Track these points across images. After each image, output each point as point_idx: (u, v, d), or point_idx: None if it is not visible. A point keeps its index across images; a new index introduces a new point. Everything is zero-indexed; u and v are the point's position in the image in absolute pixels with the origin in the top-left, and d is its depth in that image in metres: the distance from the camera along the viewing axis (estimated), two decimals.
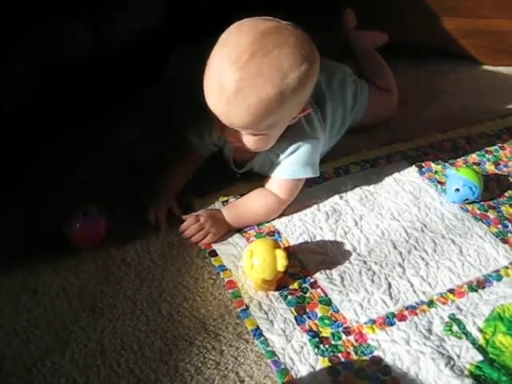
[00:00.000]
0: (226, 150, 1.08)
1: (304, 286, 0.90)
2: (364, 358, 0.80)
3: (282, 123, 0.96)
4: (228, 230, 1.00)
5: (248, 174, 1.09)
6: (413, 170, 1.15)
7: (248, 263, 0.86)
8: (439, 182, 1.11)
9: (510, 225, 1.02)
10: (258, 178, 1.07)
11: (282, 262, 0.85)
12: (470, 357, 0.80)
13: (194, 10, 1.26)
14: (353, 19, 1.46)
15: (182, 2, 1.26)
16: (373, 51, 1.41)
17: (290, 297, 0.88)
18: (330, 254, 0.95)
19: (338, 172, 1.14)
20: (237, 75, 0.86)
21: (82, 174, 1.13)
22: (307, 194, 1.07)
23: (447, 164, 1.17)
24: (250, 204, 1.03)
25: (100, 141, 1.22)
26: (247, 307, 0.86)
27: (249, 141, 0.95)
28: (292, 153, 1.01)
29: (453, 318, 0.84)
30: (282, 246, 0.92)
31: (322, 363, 0.79)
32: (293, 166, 1.01)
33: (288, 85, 0.88)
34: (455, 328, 0.83)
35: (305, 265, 0.93)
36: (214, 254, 0.96)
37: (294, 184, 1.03)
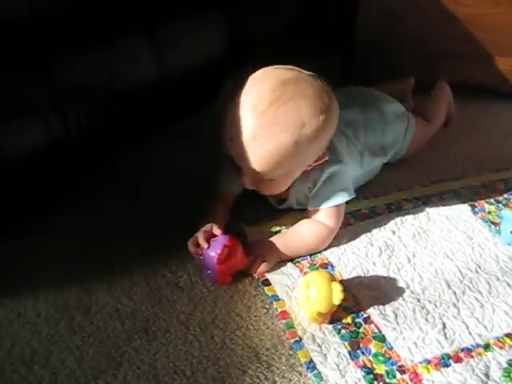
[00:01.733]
0: None
1: (357, 320, 0.89)
2: None
3: (295, 171, 0.98)
4: (279, 259, 1.00)
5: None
6: (466, 209, 1.14)
7: (304, 295, 0.86)
8: (493, 223, 1.10)
9: None
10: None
11: (338, 296, 0.84)
12: None
13: (254, 37, 1.29)
14: (411, 84, 1.46)
15: (242, 30, 1.29)
16: (441, 101, 1.41)
17: (343, 331, 0.87)
18: (383, 290, 0.95)
19: (390, 208, 1.13)
20: (255, 122, 0.89)
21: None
22: (360, 227, 1.07)
23: (500, 205, 1.15)
24: (299, 232, 1.03)
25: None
26: (300, 339, 0.86)
27: (262, 184, 0.98)
28: (322, 183, 1.02)
29: None
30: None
31: None
32: (327, 195, 1.02)
33: (304, 135, 0.91)
34: None
35: (358, 299, 0.92)
36: (267, 283, 0.96)
37: (335, 210, 1.03)
